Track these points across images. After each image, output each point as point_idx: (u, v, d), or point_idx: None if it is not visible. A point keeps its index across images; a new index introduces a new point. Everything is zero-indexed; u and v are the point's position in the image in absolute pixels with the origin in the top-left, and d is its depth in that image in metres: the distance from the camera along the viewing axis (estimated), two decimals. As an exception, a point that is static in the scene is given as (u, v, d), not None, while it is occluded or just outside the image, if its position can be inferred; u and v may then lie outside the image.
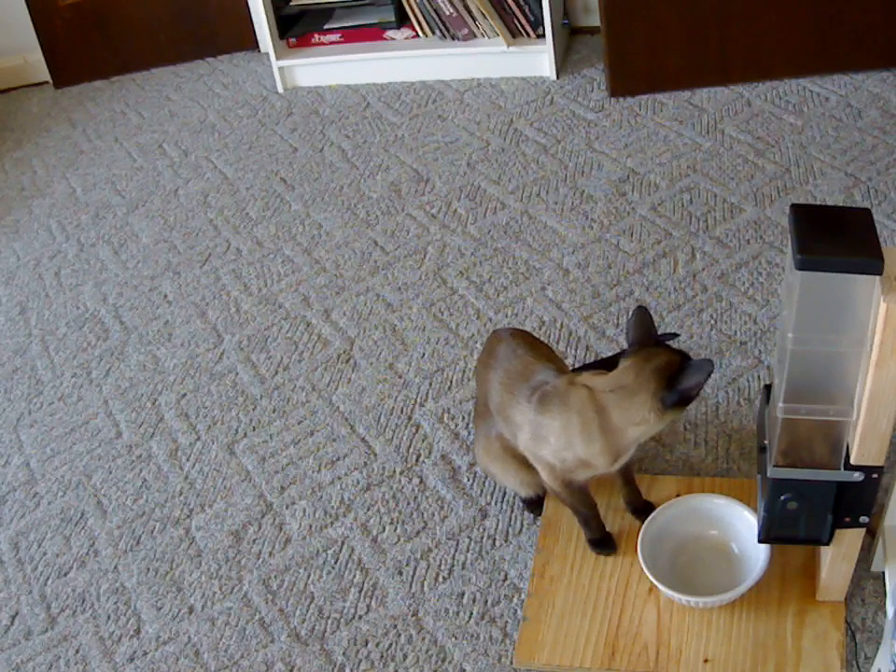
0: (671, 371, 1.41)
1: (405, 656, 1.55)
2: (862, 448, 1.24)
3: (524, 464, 1.61)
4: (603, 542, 1.61)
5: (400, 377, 2.07)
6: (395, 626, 1.60)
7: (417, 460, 1.88)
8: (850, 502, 1.30)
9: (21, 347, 2.38)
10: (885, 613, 1.45)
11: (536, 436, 1.50)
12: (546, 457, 1.50)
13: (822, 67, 2.79)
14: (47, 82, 3.62)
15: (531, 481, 1.64)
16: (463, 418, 1.95)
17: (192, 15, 3.50)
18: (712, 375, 1.91)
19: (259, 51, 3.55)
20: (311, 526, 1.79)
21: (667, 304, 2.12)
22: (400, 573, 1.68)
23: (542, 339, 2.07)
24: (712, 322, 2.05)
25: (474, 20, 3.07)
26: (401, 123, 2.98)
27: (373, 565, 1.70)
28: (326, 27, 3.26)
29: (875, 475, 1.26)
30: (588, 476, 1.51)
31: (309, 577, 1.70)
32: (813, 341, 1.21)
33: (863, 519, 1.32)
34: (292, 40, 3.28)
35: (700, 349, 1.99)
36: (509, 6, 3.03)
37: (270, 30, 3.19)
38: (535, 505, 1.71)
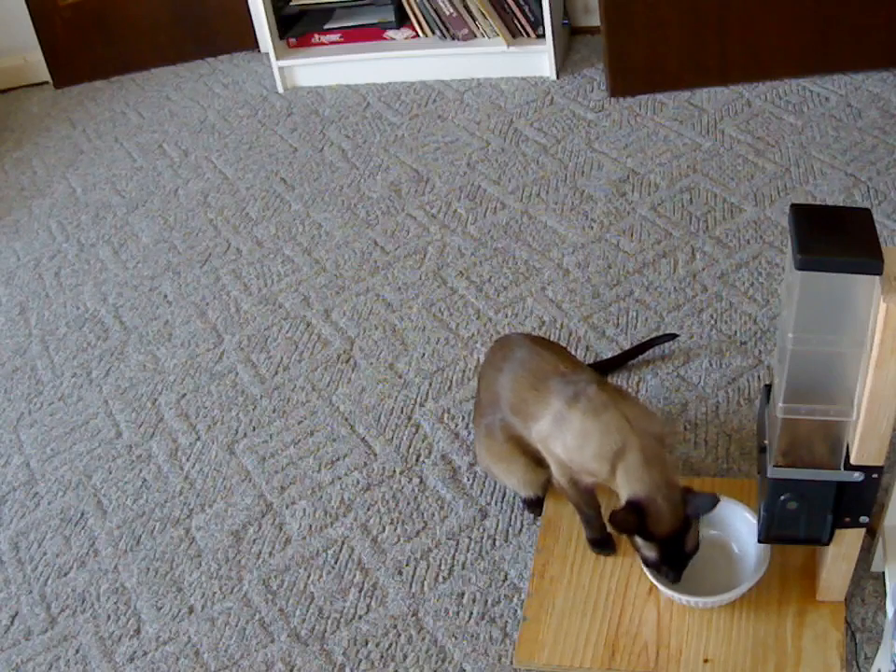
0: (662, 529, 1.40)
1: (405, 656, 1.55)
2: (862, 448, 1.24)
3: (529, 464, 1.62)
4: (603, 542, 1.61)
5: (400, 377, 2.07)
6: (395, 626, 1.60)
7: (417, 460, 1.88)
8: (850, 502, 1.30)
9: (21, 347, 2.38)
10: (885, 613, 1.45)
11: (555, 428, 1.49)
12: (558, 453, 1.50)
13: (822, 67, 2.79)
14: (47, 82, 3.62)
15: (534, 481, 1.65)
16: (463, 418, 1.95)
17: (192, 15, 3.50)
18: (711, 376, 1.92)
19: (259, 51, 3.55)
20: (311, 526, 1.79)
21: (667, 304, 2.12)
22: (400, 573, 1.68)
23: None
24: (712, 322, 2.05)
25: (474, 20, 3.07)
26: (401, 123, 2.98)
27: (373, 565, 1.70)
28: (326, 27, 3.26)
29: (875, 475, 1.26)
30: (591, 481, 1.51)
31: (309, 577, 1.70)
32: (813, 341, 1.21)
33: (863, 519, 1.32)
34: (292, 40, 3.28)
35: (700, 349, 1.99)
36: (509, 6, 3.03)
37: (270, 30, 3.19)
38: (535, 505, 1.71)
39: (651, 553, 1.43)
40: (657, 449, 1.44)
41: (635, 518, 1.40)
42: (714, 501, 1.41)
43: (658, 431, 1.49)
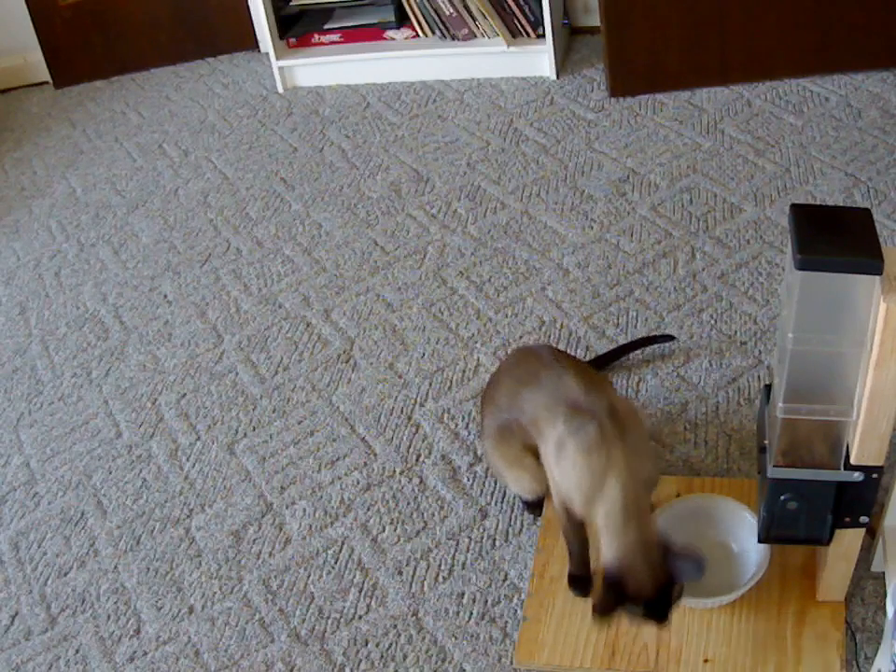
0: (645, 588, 1.33)
1: (405, 656, 1.55)
2: (862, 448, 1.24)
3: (540, 471, 1.59)
4: (580, 582, 1.54)
5: (400, 377, 2.07)
6: (395, 626, 1.60)
7: (417, 460, 1.88)
8: (850, 502, 1.30)
9: (21, 347, 2.38)
10: (885, 613, 1.45)
11: (554, 454, 1.45)
12: (554, 478, 1.48)
13: (822, 67, 2.79)
14: (47, 82, 3.62)
15: (540, 486, 1.63)
16: (463, 418, 1.95)
17: (192, 15, 3.50)
18: (711, 376, 1.92)
19: (259, 51, 3.55)
20: (311, 526, 1.79)
21: (667, 304, 2.12)
22: (400, 573, 1.68)
23: (542, 339, 2.07)
24: (712, 322, 2.05)
25: (474, 20, 3.07)
26: (401, 123, 2.98)
27: (373, 565, 1.70)
28: (326, 27, 3.26)
29: (875, 475, 1.26)
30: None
31: (309, 577, 1.70)
32: (813, 341, 1.21)
33: (863, 519, 1.32)
34: (292, 40, 3.28)
35: (700, 349, 1.99)
36: (509, 6, 3.03)
37: (270, 30, 3.19)
38: (536, 506, 1.71)
39: (635, 611, 1.35)
40: (641, 499, 1.38)
41: (614, 599, 1.33)
42: (701, 568, 1.32)
43: (648, 476, 1.44)
